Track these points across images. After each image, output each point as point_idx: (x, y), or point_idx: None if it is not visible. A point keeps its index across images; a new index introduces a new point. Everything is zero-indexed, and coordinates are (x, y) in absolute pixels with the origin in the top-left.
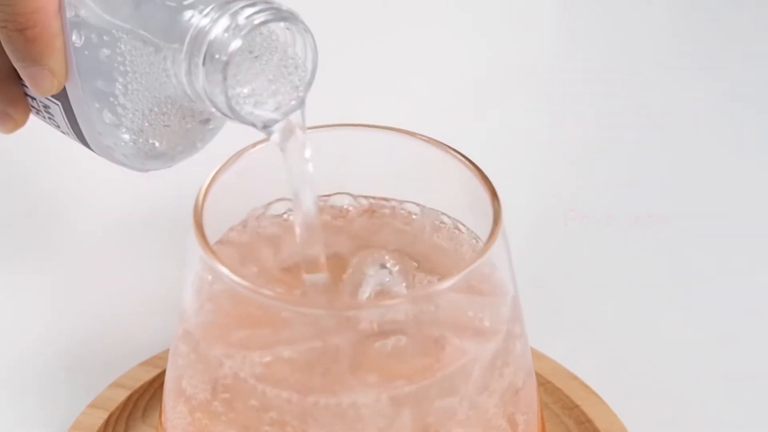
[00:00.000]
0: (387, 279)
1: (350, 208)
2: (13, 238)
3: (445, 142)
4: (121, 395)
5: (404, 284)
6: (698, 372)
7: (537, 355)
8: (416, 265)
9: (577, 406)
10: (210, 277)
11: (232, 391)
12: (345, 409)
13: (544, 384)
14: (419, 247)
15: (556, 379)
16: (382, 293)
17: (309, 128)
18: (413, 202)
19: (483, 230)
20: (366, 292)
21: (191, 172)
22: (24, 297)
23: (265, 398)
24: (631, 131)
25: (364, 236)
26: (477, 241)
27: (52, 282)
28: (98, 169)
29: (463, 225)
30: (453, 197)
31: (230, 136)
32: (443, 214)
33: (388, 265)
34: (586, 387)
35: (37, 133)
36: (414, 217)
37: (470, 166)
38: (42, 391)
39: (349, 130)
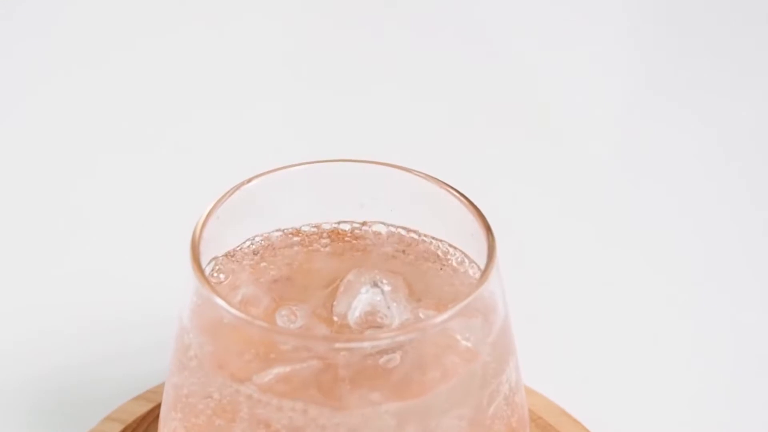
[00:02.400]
0: (378, 299)
1: (348, 231)
2: (3, 270)
3: (440, 178)
4: (115, 429)
5: (395, 304)
6: (690, 408)
7: (529, 392)
8: (407, 288)
9: None
10: (207, 309)
11: (232, 408)
12: (346, 425)
13: (535, 420)
14: (412, 270)
15: (547, 415)
16: (372, 314)
17: (310, 162)
18: (405, 227)
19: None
20: (356, 312)
21: (187, 205)
22: (17, 332)
23: (266, 415)
24: (625, 166)
25: (357, 256)
26: (469, 262)
27: (45, 317)
28: (95, 202)
29: (458, 249)
30: (449, 232)
31: (226, 170)
32: (437, 239)
33: (380, 284)
34: (577, 423)
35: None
36: (407, 241)
37: (465, 201)
38: (36, 425)
39: (349, 165)
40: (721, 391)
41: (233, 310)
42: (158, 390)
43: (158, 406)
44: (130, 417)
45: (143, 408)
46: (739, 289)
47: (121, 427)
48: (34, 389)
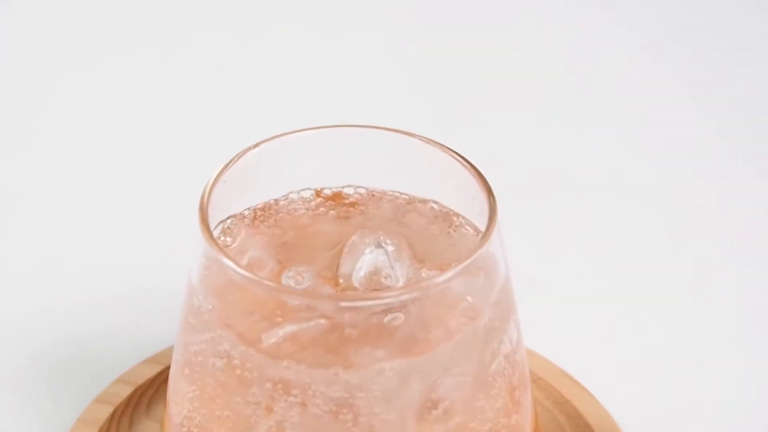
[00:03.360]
0: (382, 259)
1: (351, 194)
2: (16, 233)
3: (441, 142)
4: (126, 391)
5: (398, 264)
6: (687, 367)
7: (529, 353)
8: (411, 249)
9: (568, 402)
10: (216, 270)
11: (240, 367)
12: (352, 382)
13: (536, 380)
14: (414, 232)
15: (547, 375)
16: (376, 274)
17: (314, 128)
18: (406, 194)
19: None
20: (361, 272)
21: (195, 170)
22: (29, 294)
23: (273, 373)
24: (627, 126)
25: (361, 220)
26: (470, 224)
27: (57, 280)
28: (102, 168)
29: (459, 212)
30: (450, 194)
31: (233, 135)
32: (439, 202)
33: (383, 245)
34: (577, 383)
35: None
36: (409, 204)
37: (466, 164)
38: (49, 386)
39: (353, 130)
40: (721, 352)
41: (241, 271)
42: (167, 353)
43: (167, 369)
44: (140, 379)
45: (153, 370)
46: (750, 248)
47: (132, 388)
48: (48, 352)
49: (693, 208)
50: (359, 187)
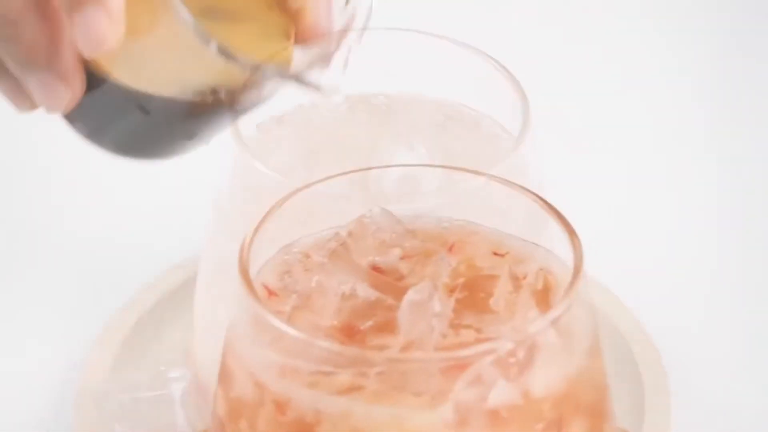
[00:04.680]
0: (415, 162)
1: (383, 98)
2: (47, 147)
3: (479, 48)
4: (152, 298)
5: (432, 170)
6: (712, 266)
7: None
8: (443, 154)
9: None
10: (247, 175)
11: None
12: None
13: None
14: (446, 135)
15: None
16: (408, 177)
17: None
18: (440, 96)
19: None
20: (393, 175)
21: None
22: (55, 202)
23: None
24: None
25: (392, 123)
26: (504, 133)
27: (88, 190)
28: None
29: (492, 118)
30: (483, 98)
31: None
32: (470, 106)
33: (415, 148)
34: (607, 291)
35: None
36: (439, 108)
37: (500, 68)
38: (75, 294)
39: (385, 32)
40: (749, 260)
41: (272, 174)
42: (193, 261)
43: (194, 276)
44: (167, 286)
45: (179, 277)
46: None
47: (158, 296)
48: (74, 261)
49: (729, 116)
50: (391, 91)
